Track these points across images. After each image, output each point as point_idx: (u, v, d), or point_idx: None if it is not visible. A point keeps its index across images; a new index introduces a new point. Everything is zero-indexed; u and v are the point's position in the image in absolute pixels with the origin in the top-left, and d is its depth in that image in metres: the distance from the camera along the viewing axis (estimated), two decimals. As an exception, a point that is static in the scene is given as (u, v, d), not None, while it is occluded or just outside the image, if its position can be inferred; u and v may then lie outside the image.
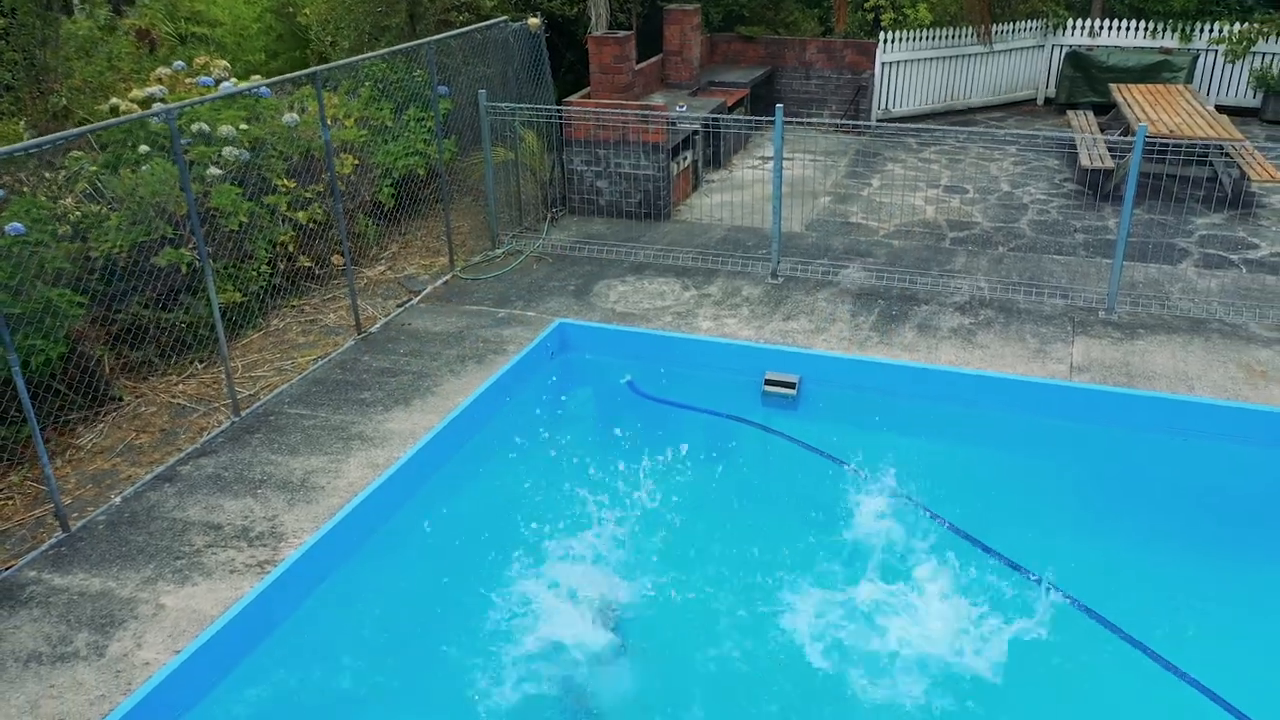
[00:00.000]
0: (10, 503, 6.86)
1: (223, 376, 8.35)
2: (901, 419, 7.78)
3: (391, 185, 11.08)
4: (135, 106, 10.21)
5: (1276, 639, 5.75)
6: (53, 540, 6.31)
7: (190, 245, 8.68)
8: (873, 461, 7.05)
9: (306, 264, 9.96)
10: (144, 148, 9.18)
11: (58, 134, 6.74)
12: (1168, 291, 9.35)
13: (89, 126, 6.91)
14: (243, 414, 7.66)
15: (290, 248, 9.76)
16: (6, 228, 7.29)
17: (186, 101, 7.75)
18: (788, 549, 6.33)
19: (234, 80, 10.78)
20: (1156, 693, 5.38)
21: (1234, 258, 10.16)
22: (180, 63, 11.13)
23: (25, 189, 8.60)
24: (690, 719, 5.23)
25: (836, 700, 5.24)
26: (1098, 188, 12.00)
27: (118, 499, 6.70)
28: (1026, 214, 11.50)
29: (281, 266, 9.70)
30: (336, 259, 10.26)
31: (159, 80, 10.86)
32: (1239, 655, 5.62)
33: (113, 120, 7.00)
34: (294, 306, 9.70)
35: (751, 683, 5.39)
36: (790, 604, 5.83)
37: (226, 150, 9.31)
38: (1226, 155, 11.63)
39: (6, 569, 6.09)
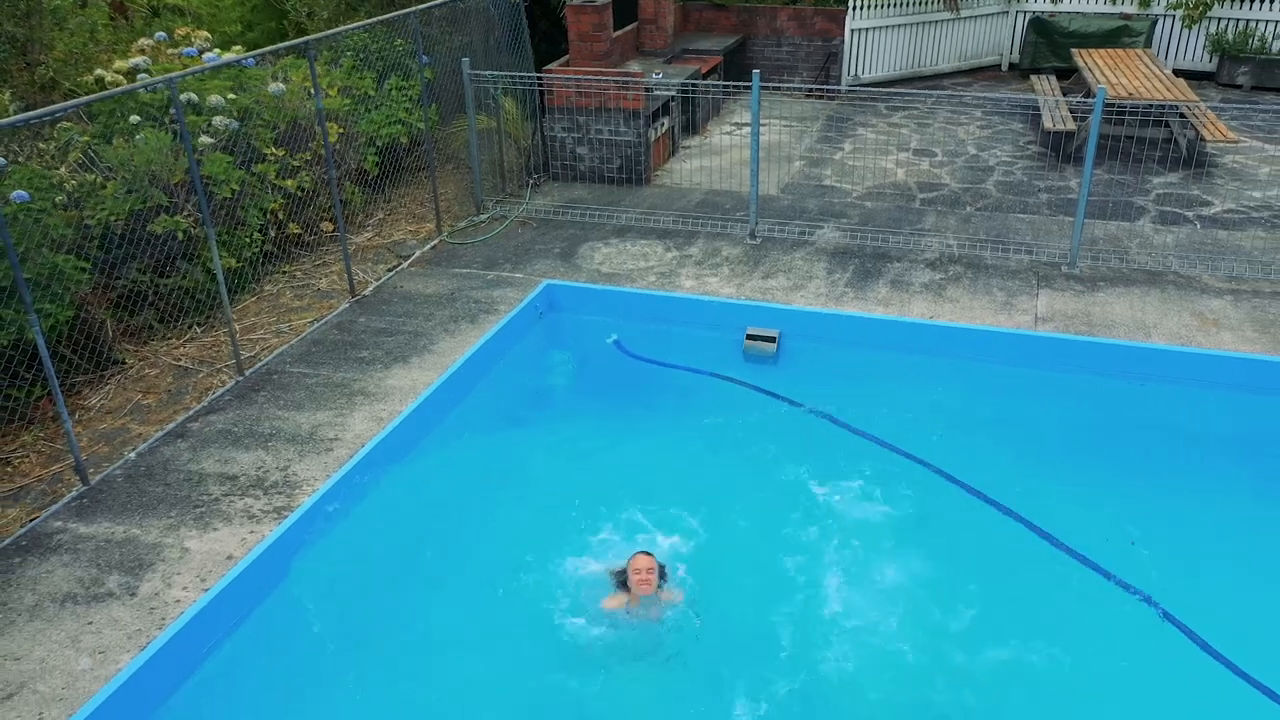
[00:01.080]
0: (26, 460, 7.17)
1: (222, 339, 8.66)
2: (877, 369, 8.25)
3: (376, 153, 11.36)
4: (120, 78, 10.41)
5: (1209, 555, 6.29)
6: (74, 493, 6.63)
7: (185, 213, 8.96)
8: (851, 408, 7.53)
9: (296, 231, 10.25)
10: (135, 118, 9.40)
11: (69, 102, 6.99)
12: (1126, 247, 9.88)
13: (98, 95, 7.16)
14: (246, 373, 7.99)
15: (280, 215, 10.04)
16: (12, 195, 7.53)
17: (189, 70, 8.00)
18: (762, 474, 6.83)
19: (218, 51, 10.98)
20: (1108, 603, 5.92)
21: (1189, 214, 10.71)
22: (162, 34, 11.30)
23: (20, 159, 8.82)
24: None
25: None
26: (1060, 149, 12.51)
27: (132, 454, 7.03)
28: (992, 175, 11.99)
29: (272, 234, 9.98)
30: (326, 225, 10.55)
31: (141, 51, 11.05)
32: (1180, 570, 6.17)
33: (119, 89, 7.25)
34: (285, 272, 9.99)
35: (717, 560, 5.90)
36: (763, 518, 6.34)
37: (217, 119, 9.56)
38: (1183, 117, 12.17)
39: (32, 520, 6.42)
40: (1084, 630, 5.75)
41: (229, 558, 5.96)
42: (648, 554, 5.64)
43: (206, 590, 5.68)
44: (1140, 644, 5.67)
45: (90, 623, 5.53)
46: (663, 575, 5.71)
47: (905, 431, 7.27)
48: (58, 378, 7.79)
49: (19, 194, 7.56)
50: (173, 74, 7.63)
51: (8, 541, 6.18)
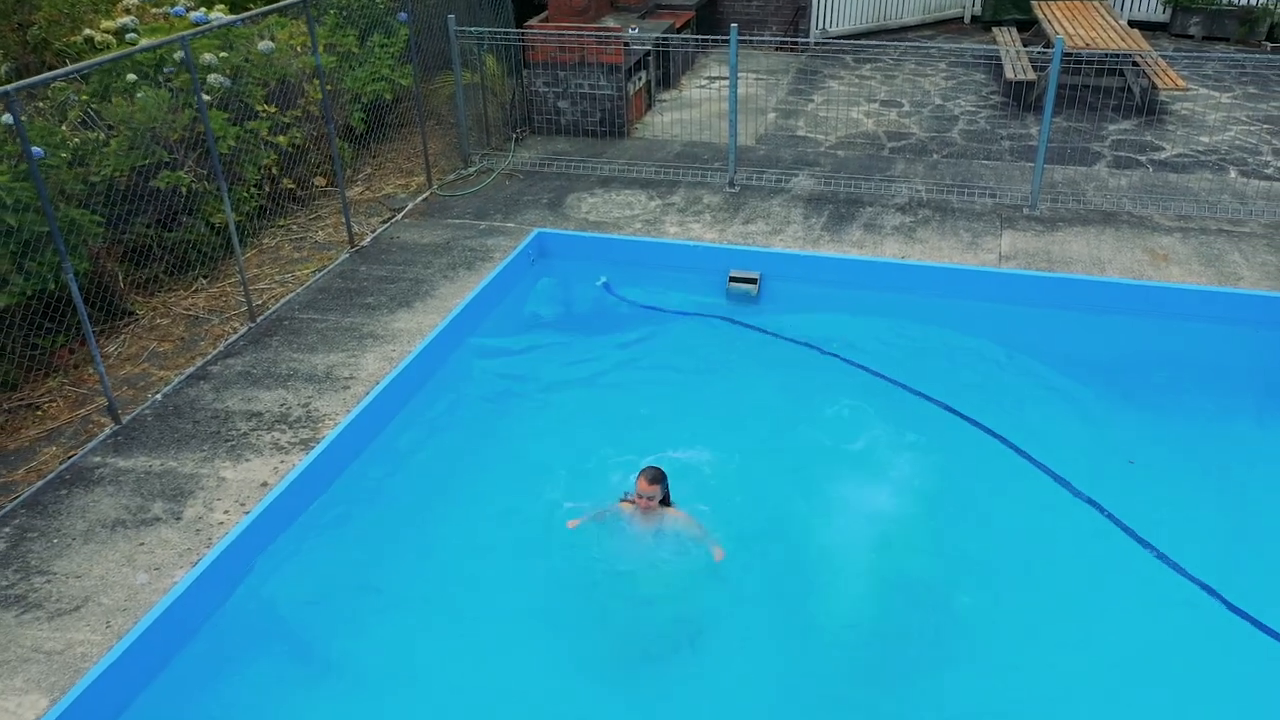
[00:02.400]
0: (54, 405, 7.63)
1: (228, 289, 9.12)
2: (853, 305, 8.90)
3: (361, 110, 11.75)
4: (110, 38, 10.72)
5: (1155, 469, 7.04)
6: (108, 431, 7.12)
7: (186, 168, 9.36)
8: (829, 339, 8.19)
9: (290, 186, 10.65)
10: (131, 76, 9.73)
11: (90, 61, 7.38)
12: (1083, 189, 10.57)
13: (111, 55, 7.56)
14: (258, 320, 8.46)
15: (274, 171, 10.44)
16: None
17: (199, 29, 8.38)
18: (749, 399, 7.50)
19: (204, 10, 11.28)
20: (1056, 505, 6.67)
21: (1142, 159, 11.42)
22: (146, -7, 11.55)
23: (23, 116, 9.14)
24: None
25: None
26: (1021, 98, 13.16)
27: (158, 396, 7.52)
28: (957, 124, 12.62)
29: (267, 189, 10.39)
30: (319, 180, 10.97)
31: (127, 11, 11.33)
32: (1125, 481, 6.91)
33: (135, 48, 7.64)
34: (281, 226, 10.42)
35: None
36: (752, 433, 7.02)
37: (211, 77, 9.91)
38: (1136, 66, 12.86)
39: (70, 457, 6.90)
40: (1036, 527, 6.48)
41: (264, 484, 6.50)
42: (653, 474, 6.04)
43: (247, 512, 6.22)
44: (1080, 534, 6.42)
45: (142, 544, 6.06)
46: (666, 499, 6.18)
47: (880, 358, 7.95)
48: (80, 328, 8.23)
49: (35, 150, 7.93)
50: (185, 33, 8.01)
51: (51, 476, 6.67)
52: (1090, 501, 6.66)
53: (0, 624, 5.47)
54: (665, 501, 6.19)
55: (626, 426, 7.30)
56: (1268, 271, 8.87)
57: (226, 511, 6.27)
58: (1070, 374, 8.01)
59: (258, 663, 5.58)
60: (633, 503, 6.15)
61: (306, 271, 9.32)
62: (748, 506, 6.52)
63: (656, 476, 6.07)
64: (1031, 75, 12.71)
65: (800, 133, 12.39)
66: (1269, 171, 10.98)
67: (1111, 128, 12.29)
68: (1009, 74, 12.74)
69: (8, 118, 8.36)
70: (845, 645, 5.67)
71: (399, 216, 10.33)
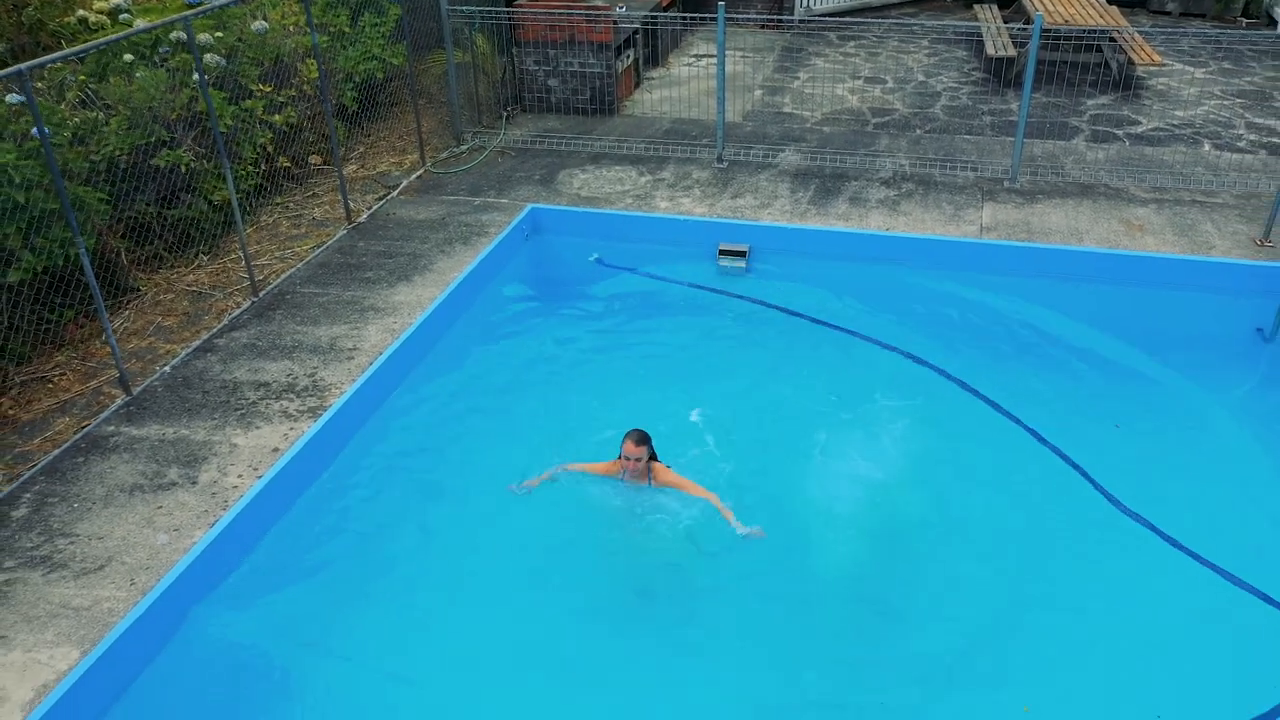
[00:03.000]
0: (64, 378, 7.86)
1: (229, 265, 9.35)
2: (840, 276, 9.21)
3: (354, 89, 11.95)
4: (104, 18, 10.87)
5: (1111, 408, 7.51)
6: (120, 402, 7.37)
7: (185, 147, 9.56)
8: (817, 308, 8.51)
9: (286, 164, 10.86)
10: (128, 56, 9.91)
11: (98, 40, 7.58)
12: (1062, 163, 10.89)
13: (117, 35, 7.75)
14: (260, 295, 8.71)
15: (270, 149, 10.64)
16: (33, 131, 8.10)
17: (198, 10, 8.56)
18: (740, 361, 7.87)
19: (196, -11, 11.42)
20: (1026, 451, 7.02)
21: (1119, 133, 11.75)
22: (138, -26, 11.69)
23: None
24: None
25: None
26: (1001, 74, 13.47)
27: (167, 368, 7.77)
28: (940, 100, 12.92)
29: (263, 168, 10.59)
30: (315, 159, 11.18)
31: (119, -9, 11.46)
32: (1092, 432, 7.28)
33: (139, 29, 7.84)
34: (278, 204, 10.64)
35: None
36: (742, 391, 7.38)
37: (207, 57, 10.10)
38: (1114, 42, 13.17)
39: (84, 427, 7.15)
40: (1009, 475, 6.86)
41: (274, 450, 6.77)
42: (638, 436, 6.29)
43: (260, 476, 6.49)
44: (1052, 485, 6.79)
45: (160, 507, 6.33)
46: (653, 455, 6.45)
47: (865, 324, 8.28)
48: (87, 303, 8.46)
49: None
50: (187, 13, 8.21)
51: (67, 445, 6.92)
52: (1058, 452, 7.02)
53: (28, 583, 5.74)
54: (652, 459, 6.47)
55: (622, 391, 7.60)
56: (1238, 241, 9.23)
57: (240, 476, 6.54)
58: (1048, 338, 8.35)
59: (277, 614, 5.88)
60: (621, 464, 6.43)
61: (305, 247, 9.55)
62: (741, 460, 6.84)
63: (642, 438, 6.34)
64: (1012, 51, 13.01)
65: (786, 109, 12.66)
66: (1241, 144, 11.33)
67: (1090, 103, 12.62)
68: (990, 50, 13.04)
69: (11, 97, 8.57)
70: (833, 589, 6.01)
71: (394, 193, 10.56)
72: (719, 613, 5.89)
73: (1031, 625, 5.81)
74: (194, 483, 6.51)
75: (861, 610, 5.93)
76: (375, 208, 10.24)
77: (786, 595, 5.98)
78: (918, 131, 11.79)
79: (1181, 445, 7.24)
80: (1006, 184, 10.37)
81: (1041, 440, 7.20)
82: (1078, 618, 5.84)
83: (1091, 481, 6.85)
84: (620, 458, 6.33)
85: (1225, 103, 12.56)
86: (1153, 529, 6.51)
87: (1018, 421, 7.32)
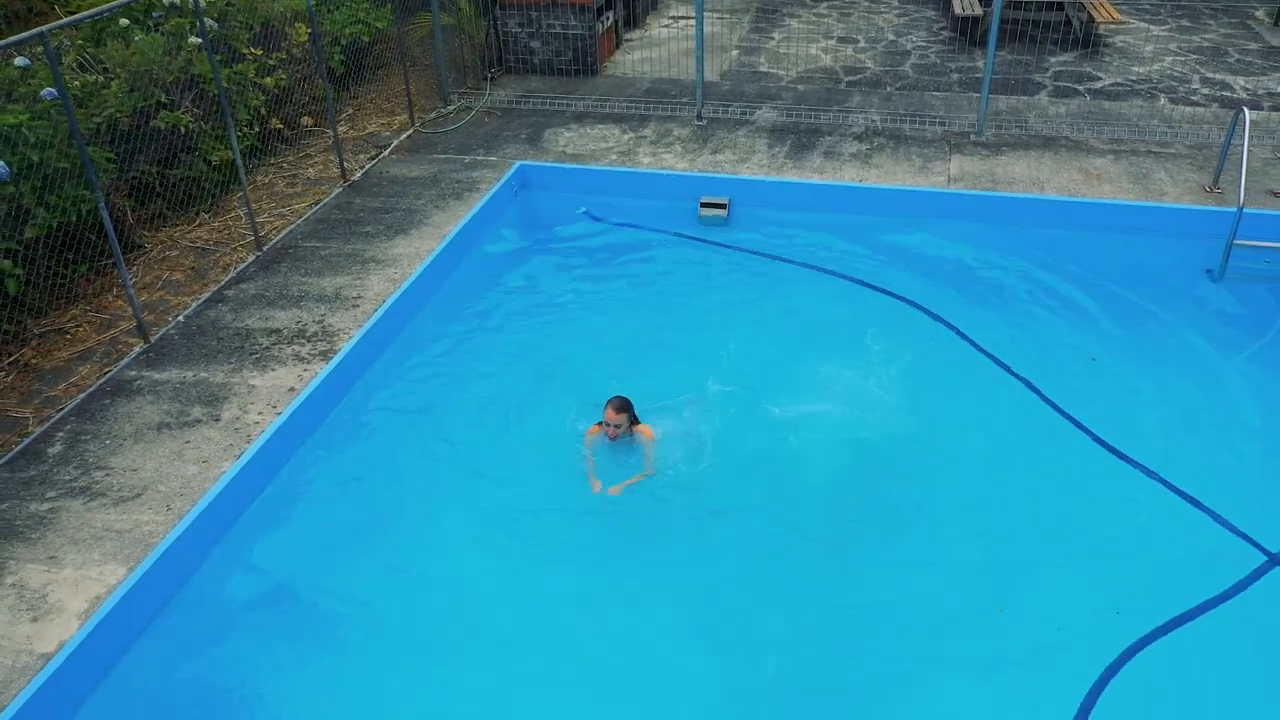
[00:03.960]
0: (81, 329, 8.31)
1: (230, 223, 9.79)
2: (816, 225, 9.78)
3: (341, 52, 12.34)
4: (95, -17, 11.17)
5: (1064, 337, 8.22)
6: (138, 349, 7.84)
7: (183, 109, 9.96)
8: (796, 253, 9.10)
9: (278, 126, 11.27)
10: (124, 21, 10.27)
11: (106, 6, 7.97)
12: (1026, 117, 11.49)
13: (117, 1, 8.12)
14: (264, 249, 9.16)
15: (263, 111, 11.04)
16: (43, 93, 8.50)
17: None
18: (725, 303, 8.51)
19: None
20: (987, 373, 7.71)
21: (1080, 88, 12.35)
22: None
23: (26, 61, 9.67)
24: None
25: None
26: (968, 33, 14.02)
27: (180, 318, 8.23)
28: (909, 58, 13.46)
29: (257, 129, 11.00)
30: (306, 120, 11.58)
31: (108, -43, 11.75)
32: (1055, 362, 7.94)
33: (145, -9, 8.18)
34: (273, 164, 11.05)
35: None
36: (729, 328, 8.00)
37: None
38: (1077, 1, 13.75)
39: (107, 373, 7.62)
40: (976, 397, 7.51)
41: (290, 389, 7.28)
42: (619, 403, 6.75)
43: (279, 413, 7.00)
44: (1012, 405, 7.47)
45: (188, 441, 6.83)
46: (634, 419, 6.89)
47: (839, 264, 8.90)
48: (97, 259, 8.89)
49: (48, 91, 8.53)
50: (190, -23, 8.58)
51: (92, 389, 7.39)
52: (1021, 379, 7.68)
53: (71, 510, 6.24)
54: (634, 424, 6.91)
55: (612, 329, 8.16)
56: (1189, 188, 9.87)
57: (260, 413, 7.05)
58: (1012, 279, 8.98)
59: (304, 531, 6.43)
60: (601, 428, 6.89)
61: (303, 205, 10.00)
62: (734, 393, 7.43)
63: (622, 405, 6.79)
64: (978, 11, 13.56)
65: (762, 68, 13.16)
66: (1196, 98, 11.97)
67: (1052, 60, 13.20)
68: (957, 10, 13.58)
69: (18, 60, 8.95)
70: (821, 512, 6.63)
71: (386, 153, 11.00)
72: (705, 536, 6.47)
73: (1005, 533, 6.42)
74: (217, 420, 7.01)
75: (845, 522, 6.53)
76: (368, 166, 10.68)
77: (772, 510, 6.59)
78: (888, 89, 12.33)
79: (1140, 375, 7.88)
80: (973, 137, 10.94)
81: (995, 359, 7.85)
82: (1046, 527, 6.46)
83: (1055, 407, 7.49)
84: (602, 423, 6.82)
85: (1182, 59, 13.18)
86: (1105, 445, 7.16)
87: (986, 353, 7.95)
